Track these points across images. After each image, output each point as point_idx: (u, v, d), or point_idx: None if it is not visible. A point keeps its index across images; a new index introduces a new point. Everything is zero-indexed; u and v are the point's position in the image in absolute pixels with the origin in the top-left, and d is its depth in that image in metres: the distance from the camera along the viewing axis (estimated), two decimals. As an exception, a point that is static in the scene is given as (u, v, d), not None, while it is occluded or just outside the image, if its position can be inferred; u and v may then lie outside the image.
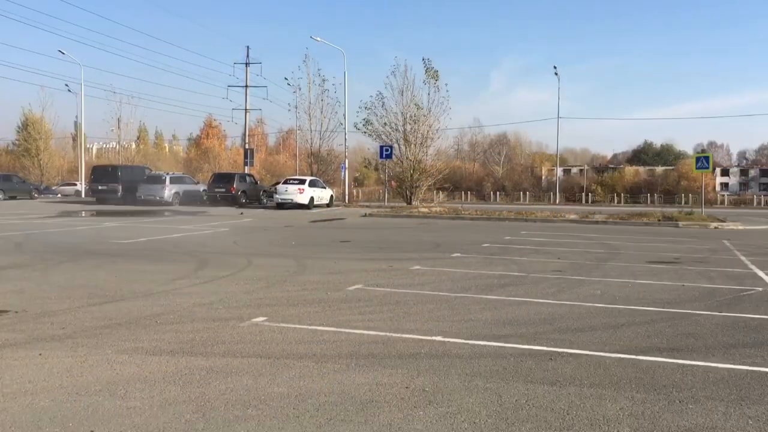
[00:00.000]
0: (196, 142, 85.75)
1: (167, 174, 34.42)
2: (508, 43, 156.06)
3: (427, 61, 34.03)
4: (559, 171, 69.75)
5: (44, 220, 20.32)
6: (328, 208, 31.34)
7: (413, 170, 33.63)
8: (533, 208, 37.52)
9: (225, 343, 5.23)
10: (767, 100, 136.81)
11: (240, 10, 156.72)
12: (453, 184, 57.97)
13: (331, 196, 33.53)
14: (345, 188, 39.78)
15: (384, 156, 32.62)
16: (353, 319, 6.23)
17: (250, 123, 49.73)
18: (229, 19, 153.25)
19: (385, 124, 34.31)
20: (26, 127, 63.89)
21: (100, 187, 33.53)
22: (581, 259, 11.66)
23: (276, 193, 30.90)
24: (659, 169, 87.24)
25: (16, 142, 67.18)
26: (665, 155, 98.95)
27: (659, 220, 22.55)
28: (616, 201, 64.72)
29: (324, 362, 4.75)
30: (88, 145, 70.39)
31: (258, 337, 5.45)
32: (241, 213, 25.95)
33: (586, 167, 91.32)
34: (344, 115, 39.24)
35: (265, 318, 6.17)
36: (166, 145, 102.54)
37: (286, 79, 41.50)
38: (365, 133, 35.31)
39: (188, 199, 32.08)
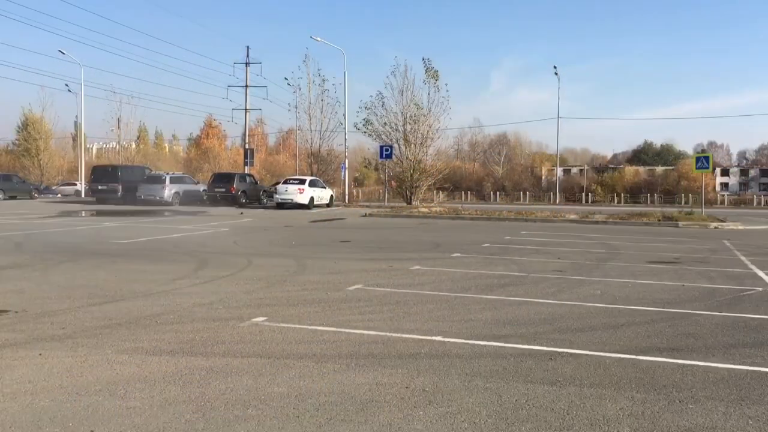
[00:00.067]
0: (196, 142, 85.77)
1: (167, 174, 34.43)
2: (509, 43, 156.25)
3: (427, 61, 34.10)
4: (559, 171, 69.76)
5: (44, 219, 20.32)
6: (328, 208, 31.34)
7: (413, 170, 33.63)
8: (533, 208, 37.53)
9: (225, 343, 5.23)
10: (767, 100, 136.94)
11: (240, 10, 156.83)
12: (453, 184, 57.99)
13: (331, 196, 33.53)
14: (345, 188, 39.78)
15: (384, 156, 32.62)
16: (353, 319, 6.23)
17: (250, 123, 49.77)
18: (229, 19, 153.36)
19: (385, 124, 34.35)
20: (26, 127, 63.91)
21: (100, 187, 33.54)
22: (581, 259, 11.66)
23: (276, 193, 30.91)
24: (659, 169, 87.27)
25: (16, 142, 67.21)
26: (665, 155, 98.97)
27: (659, 220, 22.55)
28: (616, 201, 64.73)
29: (324, 362, 4.75)
30: (88, 145, 70.43)
31: (258, 337, 5.45)
32: (241, 213, 25.95)
33: (586, 167, 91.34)
34: (344, 115, 39.30)
35: (265, 318, 6.17)
36: (166, 145, 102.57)
37: (286, 79, 41.57)
38: (365, 133, 35.37)
39: (188, 199, 32.08)
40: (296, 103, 41.24)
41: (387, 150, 32.57)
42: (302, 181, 30.59)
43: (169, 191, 31.52)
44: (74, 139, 67.75)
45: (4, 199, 35.99)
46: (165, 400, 3.89)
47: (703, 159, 25.49)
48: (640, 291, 8.19)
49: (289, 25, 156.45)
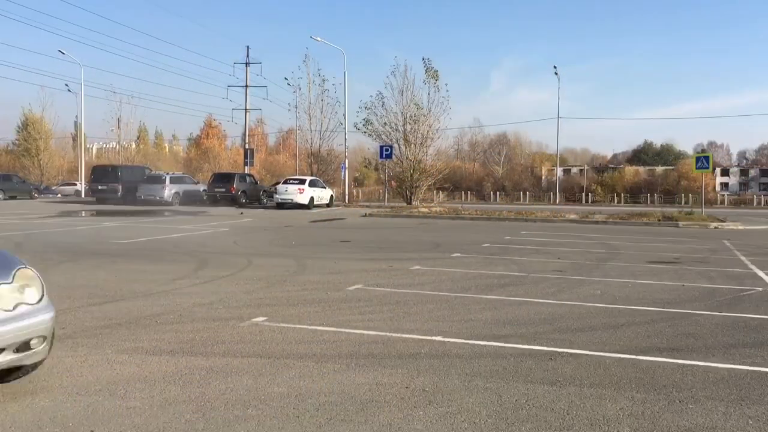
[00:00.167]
0: (196, 142, 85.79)
1: (167, 174, 34.44)
2: (509, 43, 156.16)
3: (427, 61, 34.09)
4: (559, 171, 69.76)
5: (44, 219, 20.32)
6: (328, 208, 31.34)
7: (413, 170, 33.63)
8: (533, 208, 37.53)
9: (225, 343, 5.23)
10: (767, 100, 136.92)
11: (240, 10, 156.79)
12: (453, 184, 58.02)
13: (331, 196, 33.53)
14: (345, 188, 39.78)
15: (384, 156, 32.63)
16: (353, 319, 6.24)
17: (250, 123, 49.77)
18: (229, 20, 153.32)
19: (385, 124, 34.35)
20: (26, 127, 63.92)
21: (100, 187, 33.54)
22: (581, 259, 11.66)
23: (276, 193, 30.91)
24: (659, 169, 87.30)
25: (16, 142, 67.23)
26: (665, 155, 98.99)
27: (659, 220, 22.55)
28: (616, 201, 64.75)
29: (324, 362, 4.75)
30: (88, 145, 70.42)
31: (258, 337, 5.45)
32: (241, 213, 25.95)
33: (586, 167, 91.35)
34: (344, 115, 39.29)
35: (265, 318, 6.17)
36: (166, 145, 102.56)
37: (286, 79, 41.57)
38: (365, 133, 35.37)
39: (188, 199, 32.08)
40: (296, 103, 41.28)
41: (387, 150, 32.57)
42: (302, 181, 30.60)
43: (169, 191, 31.52)
44: (74, 139, 67.76)
45: (4, 199, 35.99)
46: (165, 400, 3.89)
47: (703, 159, 25.48)
48: (640, 291, 8.19)
49: (289, 25, 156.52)
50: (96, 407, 3.74)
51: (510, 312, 6.71)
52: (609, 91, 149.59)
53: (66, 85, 73.63)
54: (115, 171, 34.43)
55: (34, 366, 4.09)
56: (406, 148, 33.95)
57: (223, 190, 32.49)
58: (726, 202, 61.29)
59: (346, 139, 39.63)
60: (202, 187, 34.35)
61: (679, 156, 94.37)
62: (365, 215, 25.97)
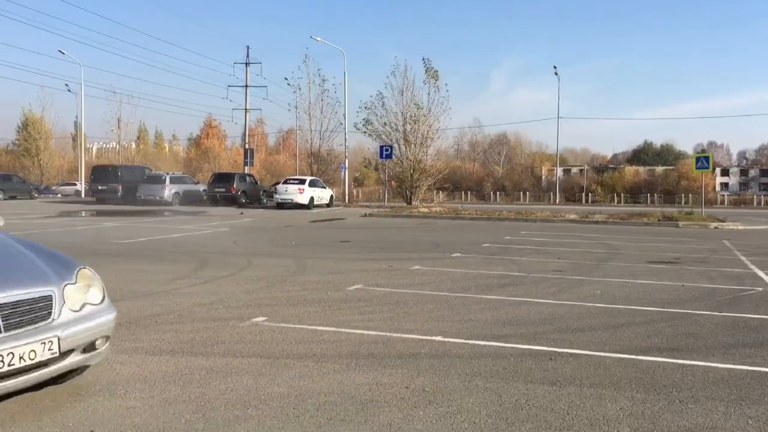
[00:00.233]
0: (196, 142, 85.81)
1: (167, 174, 34.44)
2: (509, 43, 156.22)
3: (427, 61, 34.12)
4: (559, 171, 69.75)
5: (44, 220, 20.32)
6: (328, 208, 31.34)
7: (413, 170, 33.63)
8: (533, 208, 37.53)
9: (225, 343, 5.23)
10: (767, 100, 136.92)
11: (240, 10, 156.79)
12: (453, 184, 58.02)
13: (331, 196, 33.54)
14: (345, 188, 39.78)
15: (384, 156, 32.63)
16: (353, 319, 6.24)
17: (250, 123, 49.79)
18: (229, 19, 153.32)
19: (385, 124, 34.36)
20: (26, 127, 63.95)
21: (100, 187, 33.55)
22: (581, 259, 11.66)
23: (276, 193, 30.91)
24: (659, 169, 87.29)
25: (16, 142, 67.26)
26: (665, 155, 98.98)
27: (659, 220, 22.55)
28: (616, 201, 64.74)
29: (324, 362, 4.75)
30: (88, 145, 70.43)
31: (258, 337, 5.45)
32: (241, 213, 25.95)
33: (586, 167, 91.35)
34: (344, 115, 39.31)
35: (265, 318, 6.17)
36: (166, 145, 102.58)
37: (286, 79, 41.59)
38: (365, 133, 35.38)
39: (188, 199, 32.09)
40: (296, 103, 41.33)
41: (387, 150, 32.58)
42: (302, 181, 30.60)
43: (169, 191, 31.52)
44: (74, 139, 67.78)
45: (4, 199, 35.98)
46: (165, 400, 3.89)
47: (703, 159, 25.48)
48: (640, 291, 8.19)
49: (289, 25, 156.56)
50: (96, 407, 3.74)
51: (510, 312, 6.71)
52: (609, 91, 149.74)
53: (66, 85, 73.68)
54: (115, 171, 34.44)
55: (86, 367, 4.08)
56: (406, 148, 33.96)
57: (223, 190, 32.49)
58: (726, 202, 61.29)
59: (346, 139, 39.68)
60: (202, 187, 34.35)
61: (679, 156, 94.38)
62: (365, 215, 25.97)
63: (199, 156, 75.63)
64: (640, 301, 7.43)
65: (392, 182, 36.81)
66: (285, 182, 31.26)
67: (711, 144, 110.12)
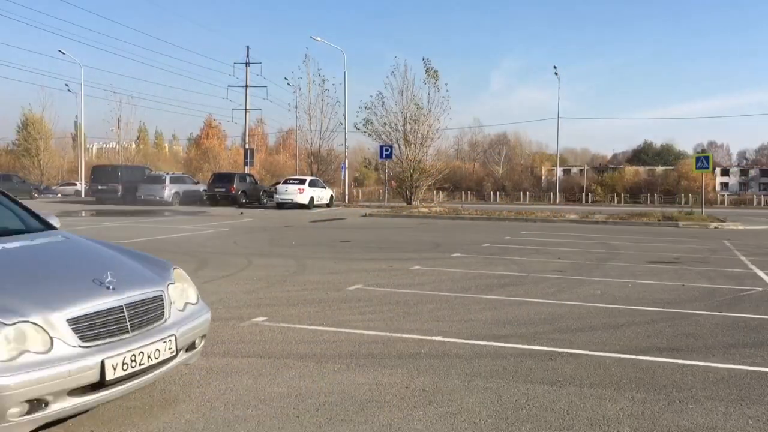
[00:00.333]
0: (196, 142, 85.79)
1: (167, 174, 34.45)
2: (509, 43, 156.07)
3: (427, 61, 34.13)
4: (559, 171, 69.74)
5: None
6: (328, 208, 31.34)
7: (413, 170, 33.63)
8: (533, 208, 37.53)
9: (225, 343, 5.23)
10: (767, 100, 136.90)
11: (240, 9, 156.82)
12: (453, 184, 58.01)
13: (331, 196, 33.54)
14: (345, 188, 39.78)
15: (384, 156, 32.64)
16: (353, 319, 6.24)
17: (250, 123, 49.82)
18: (229, 20, 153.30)
19: (385, 124, 34.39)
20: (26, 127, 63.95)
21: (100, 187, 33.56)
22: (581, 259, 11.66)
23: (276, 193, 30.91)
24: (659, 169, 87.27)
25: (16, 142, 67.28)
26: (665, 155, 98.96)
27: (659, 220, 22.55)
28: (616, 201, 64.75)
29: (324, 362, 4.75)
30: (88, 145, 70.41)
31: (258, 337, 5.45)
32: (241, 213, 25.95)
33: (586, 167, 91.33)
34: (344, 115, 39.32)
35: (265, 318, 6.17)
36: (166, 145, 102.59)
37: (286, 79, 41.66)
38: (365, 133, 35.41)
39: (188, 199, 32.09)
40: (296, 103, 41.39)
41: (387, 150, 32.59)
42: (302, 181, 30.60)
43: (169, 191, 31.53)
44: (74, 139, 67.76)
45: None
46: (165, 400, 3.89)
47: (703, 159, 25.48)
48: (640, 291, 8.19)
49: (290, 25, 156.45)
50: (96, 407, 3.74)
51: (510, 312, 6.71)
52: (609, 91, 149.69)
53: (66, 85, 73.62)
54: (115, 171, 34.47)
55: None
56: (406, 148, 33.96)
57: (223, 190, 32.48)
58: (726, 202, 61.29)
59: (346, 139, 39.69)
60: (202, 187, 34.35)
61: (679, 156, 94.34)
62: (365, 215, 25.97)
63: (199, 156, 75.59)
64: (640, 301, 7.43)
65: (392, 182, 36.81)
66: (285, 182, 31.27)
67: (711, 144, 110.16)
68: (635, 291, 8.19)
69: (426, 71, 33.92)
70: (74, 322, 3.13)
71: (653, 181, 78.54)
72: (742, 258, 12.16)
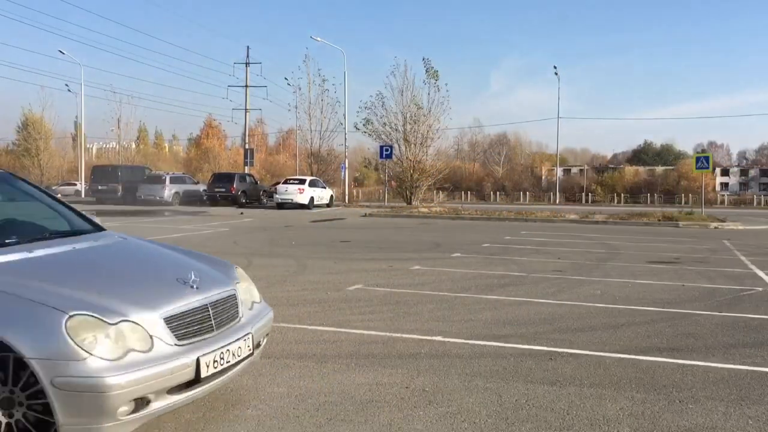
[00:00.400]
0: (196, 142, 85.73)
1: (167, 174, 34.45)
2: (509, 43, 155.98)
3: (427, 61, 34.12)
4: (559, 171, 69.71)
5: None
6: (328, 208, 31.35)
7: (413, 170, 33.63)
8: (533, 208, 37.52)
9: (225, 343, 5.22)
10: (767, 100, 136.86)
11: (240, 10, 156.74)
12: (453, 184, 58.04)
13: (331, 196, 33.54)
14: (345, 188, 39.78)
15: (384, 156, 32.64)
16: (353, 319, 6.24)
17: (250, 123, 49.85)
18: (229, 19, 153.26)
19: (385, 124, 34.39)
20: (26, 127, 63.88)
21: (100, 187, 33.58)
22: (581, 259, 11.66)
23: (276, 193, 30.91)
24: (659, 169, 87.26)
25: (16, 142, 67.16)
26: (665, 155, 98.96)
27: (659, 220, 22.54)
28: (616, 201, 64.74)
29: (324, 362, 4.75)
30: (88, 145, 70.38)
31: (258, 337, 5.44)
32: (241, 213, 25.96)
33: (586, 167, 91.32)
34: (344, 115, 39.33)
35: (265, 318, 6.16)
36: (166, 145, 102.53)
37: (286, 79, 41.70)
38: (365, 133, 35.41)
39: (188, 199, 32.09)
40: (296, 103, 41.44)
41: (387, 150, 32.59)
42: (302, 181, 30.61)
43: (169, 191, 31.53)
44: (74, 139, 67.74)
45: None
46: (165, 400, 3.88)
47: (703, 159, 25.47)
48: (640, 291, 8.19)
49: (290, 25, 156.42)
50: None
51: (510, 312, 6.71)
52: (609, 91, 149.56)
53: (66, 85, 73.45)
54: (115, 171, 34.50)
55: None
56: (406, 148, 33.97)
57: (223, 190, 32.49)
58: (726, 202, 61.28)
59: (346, 139, 39.68)
60: (202, 187, 34.35)
61: (679, 156, 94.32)
62: (365, 215, 25.97)
63: (199, 156, 75.53)
64: (640, 301, 7.43)
65: (392, 182, 36.81)
66: (285, 182, 31.27)
67: (711, 144, 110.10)
68: (635, 291, 8.19)
69: (426, 71, 33.95)
70: (169, 321, 3.18)
71: (653, 181, 78.54)
72: (742, 258, 12.16)
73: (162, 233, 15.73)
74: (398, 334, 5.60)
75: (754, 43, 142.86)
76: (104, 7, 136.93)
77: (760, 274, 9.94)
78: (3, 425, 2.91)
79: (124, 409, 2.88)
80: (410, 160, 33.75)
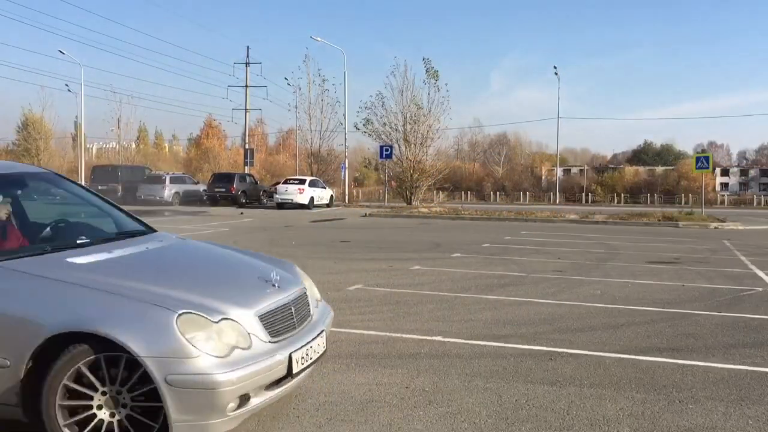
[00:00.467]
0: (196, 142, 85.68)
1: (167, 174, 34.45)
2: (509, 43, 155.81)
3: (427, 61, 34.09)
4: (559, 171, 69.68)
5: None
6: (328, 208, 31.34)
7: (413, 170, 33.62)
8: (533, 208, 37.51)
9: (225, 343, 5.22)
10: (767, 100, 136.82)
11: (240, 10, 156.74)
12: (453, 184, 58.00)
13: (331, 196, 33.54)
14: (345, 188, 39.77)
15: (384, 156, 32.63)
16: (353, 319, 6.24)
17: (250, 123, 49.87)
18: (229, 19, 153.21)
19: (385, 124, 34.36)
20: (26, 127, 63.92)
21: (100, 187, 33.48)
22: (581, 259, 11.66)
23: (276, 193, 30.90)
24: (659, 169, 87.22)
25: (16, 142, 67.19)
26: (665, 155, 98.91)
27: (659, 220, 22.54)
28: (616, 201, 64.71)
29: (324, 362, 4.74)
30: (88, 145, 70.31)
31: (258, 337, 5.44)
32: (241, 213, 25.96)
33: (586, 167, 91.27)
34: (344, 115, 39.29)
35: (265, 318, 6.16)
36: (166, 145, 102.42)
37: (286, 79, 41.67)
38: (365, 133, 35.39)
39: (188, 199, 32.09)
40: (296, 103, 41.37)
41: (387, 150, 32.58)
42: (302, 181, 30.60)
43: (169, 191, 31.52)
44: (74, 139, 67.69)
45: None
46: (165, 400, 3.88)
47: (703, 159, 25.46)
48: (640, 291, 8.19)
49: (290, 25, 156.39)
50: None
51: (510, 312, 6.71)
52: (609, 91, 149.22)
53: (66, 85, 73.42)
54: (115, 171, 34.49)
55: None
56: (406, 148, 33.96)
57: (223, 190, 32.49)
58: (726, 202, 61.27)
59: (346, 139, 39.65)
60: (202, 187, 34.35)
61: (679, 156, 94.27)
62: (365, 215, 25.97)
63: (199, 156, 75.48)
64: (640, 301, 7.43)
65: (392, 182, 36.80)
66: (285, 182, 31.27)
67: (711, 144, 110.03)
68: (635, 291, 8.19)
69: (426, 71, 33.92)
70: (263, 319, 3.23)
71: (653, 182, 78.50)
72: (742, 258, 12.16)
73: (162, 233, 15.73)
74: (398, 334, 5.60)
75: (754, 43, 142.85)
76: (104, 7, 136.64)
77: (760, 274, 9.94)
78: (105, 424, 2.94)
79: (232, 405, 2.94)
80: (410, 160, 33.74)
